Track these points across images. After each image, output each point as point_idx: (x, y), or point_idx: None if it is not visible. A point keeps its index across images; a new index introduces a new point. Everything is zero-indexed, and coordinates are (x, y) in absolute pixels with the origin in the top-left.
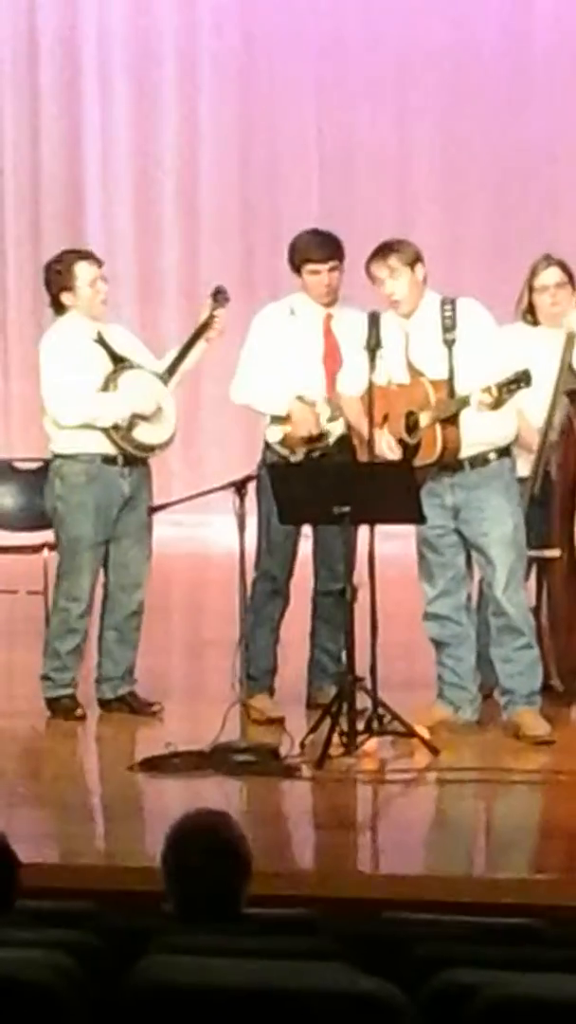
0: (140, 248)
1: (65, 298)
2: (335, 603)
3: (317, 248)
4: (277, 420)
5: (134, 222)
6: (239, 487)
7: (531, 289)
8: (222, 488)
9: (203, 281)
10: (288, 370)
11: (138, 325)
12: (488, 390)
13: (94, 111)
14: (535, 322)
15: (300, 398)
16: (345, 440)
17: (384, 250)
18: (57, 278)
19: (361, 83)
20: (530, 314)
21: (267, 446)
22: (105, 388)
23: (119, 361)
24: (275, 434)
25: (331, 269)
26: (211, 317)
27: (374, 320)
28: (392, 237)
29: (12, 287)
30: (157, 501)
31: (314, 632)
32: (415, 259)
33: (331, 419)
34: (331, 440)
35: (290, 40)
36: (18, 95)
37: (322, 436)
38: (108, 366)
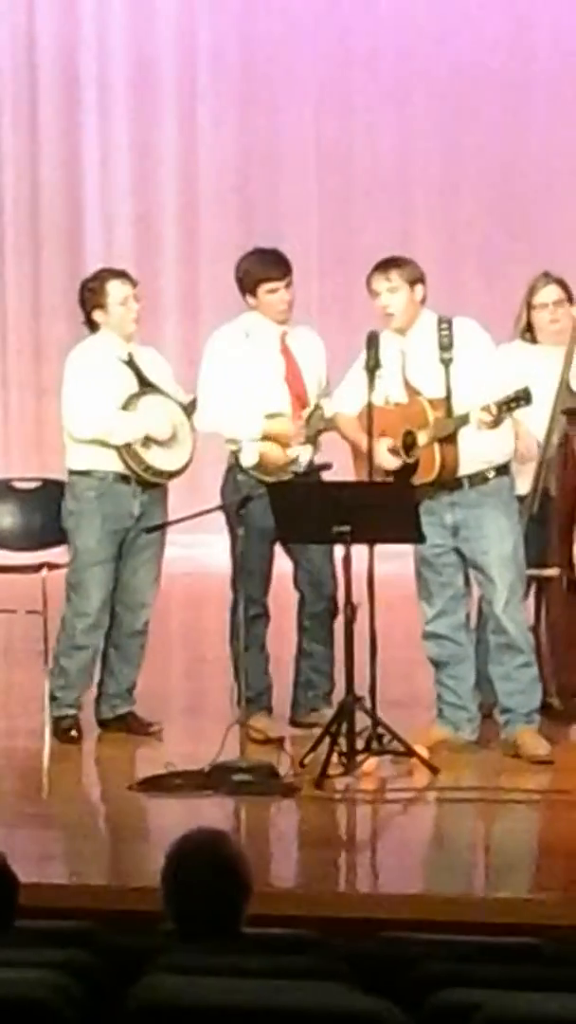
0: (140, 267)
1: (97, 316)
2: (324, 623)
3: (273, 266)
4: (251, 442)
5: (134, 241)
6: (238, 507)
7: (530, 307)
8: (220, 508)
9: (202, 299)
10: (251, 392)
11: (137, 341)
12: (488, 408)
13: (93, 129)
14: (534, 340)
15: (278, 417)
16: (314, 468)
17: (387, 264)
18: (90, 296)
19: (360, 102)
20: (529, 332)
21: (236, 470)
22: (125, 408)
23: (145, 384)
24: (250, 457)
25: (287, 285)
26: None
27: (372, 341)
28: (397, 254)
29: (11, 306)
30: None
31: (301, 653)
32: (416, 278)
33: (305, 439)
34: (301, 465)
35: (289, 58)
36: (17, 112)
37: (295, 460)
38: (133, 387)
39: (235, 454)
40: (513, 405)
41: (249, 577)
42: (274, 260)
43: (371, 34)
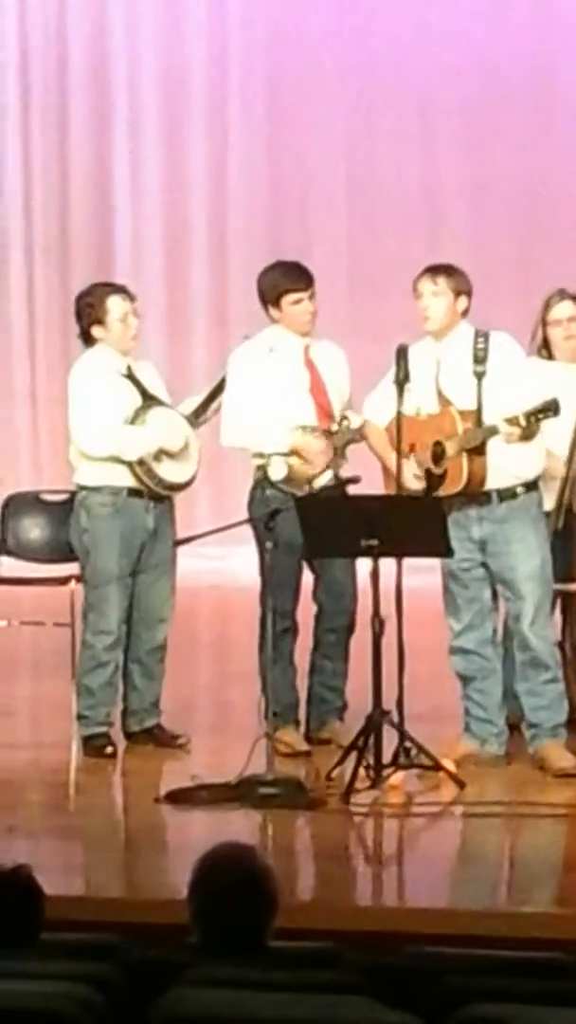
0: (169, 280)
1: (96, 331)
2: (340, 638)
3: (297, 277)
4: (279, 456)
5: (163, 254)
6: (267, 522)
7: (544, 323)
8: (247, 522)
9: (232, 313)
10: (279, 405)
11: (167, 356)
12: (515, 420)
13: (123, 145)
14: (550, 356)
15: (304, 428)
16: (341, 482)
17: (437, 270)
18: (89, 311)
19: (387, 117)
20: (545, 349)
21: (264, 484)
22: (133, 422)
23: (148, 397)
24: (279, 471)
25: (311, 296)
26: None
27: (402, 354)
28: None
29: (40, 319)
30: (182, 534)
31: (315, 667)
32: (463, 290)
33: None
34: (329, 478)
35: (317, 74)
36: (47, 128)
37: (323, 473)
38: (137, 401)
39: (262, 468)
40: (541, 416)
41: (278, 591)
42: (297, 271)
43: (398, 54)
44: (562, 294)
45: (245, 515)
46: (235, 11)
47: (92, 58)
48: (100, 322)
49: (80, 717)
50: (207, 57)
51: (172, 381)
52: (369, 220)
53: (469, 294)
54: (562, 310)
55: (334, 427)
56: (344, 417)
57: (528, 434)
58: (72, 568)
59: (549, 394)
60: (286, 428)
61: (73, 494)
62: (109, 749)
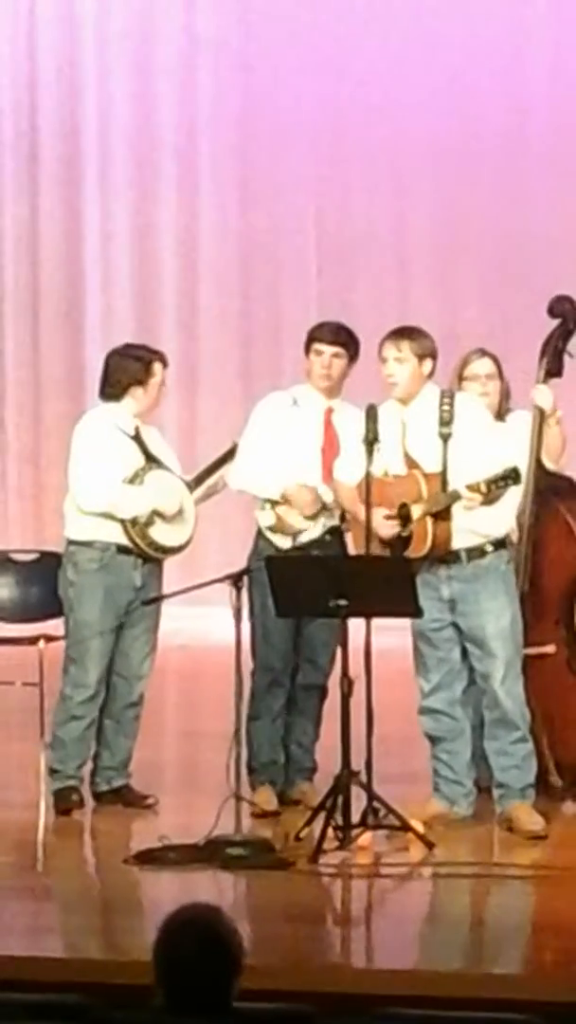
0: (139, 339)
1: (135, 391)
2: (315, 697)
3: (328, 332)
4: (270, 504)
5: (133, 317)
6: (236, 580)
7: (461, 378)
8: (219, 580)
9: (202, 371)
10: (285, 456)
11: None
12: (476, 487)
13: (94, 207)
14: None
15: (304, 486)
16: (328, 540)
17: (401, 333)
18: (134, 370)
19: (359, 169)
20: None
21: (259, 533)
22: (131, 482)
23: (150, 459)
24: (267, 519)
25: (334, 355)
26: None
27: (371, 414)
28: (413, 325)
29: (10, 374)
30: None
31: (287, 726)
32: (427, 353)
33: (321, 510)
34: (308, 536)
35: (288, 125)
36: (18, 190)
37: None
38: (139, 461)
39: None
40: (502, 484)
41: (264, 645)
42: (331, 328)
43: (368, 112)
44: (482, 352)
45: (213, 575)
46: (206, 69)
47: (63, 118)
48: (141, 383)
49: (51, 771)
50: (178, 114)
51: None
52: (339, 278)
53: (434, 356)
54: (481, 367)
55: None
56: None
57: (489, 500)
58: (41, 628)
59: (511, 461)
60: (285, 478)
61: (43, 554)
62: (75, 797)
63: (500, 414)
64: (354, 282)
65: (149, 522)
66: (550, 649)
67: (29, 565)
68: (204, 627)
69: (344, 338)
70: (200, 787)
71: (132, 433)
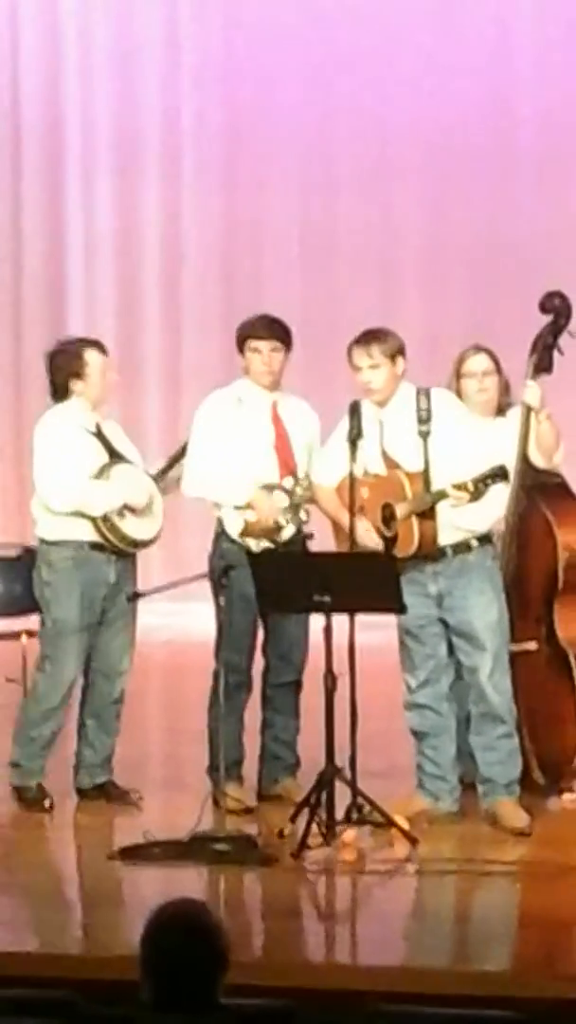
0: (122, 341)
1: (75, 385)
2: (291, 693)
3: (262, 328)
4: (237, 509)
5: (115, 314)
6: (219, 577)
7: (458, 376)
8: (202, 576)
9: (184, 371)
10: (242, 458)
11: (119, 413)
12: (463, 486)
13: (76, 205)
14: None
15: (266, 486)
16: (297, 540)
17: (367, 339)
18: (67, 364)
19: (345, 175)
20: None
21: (223, 537)
22: (98, 478)
23: (114, 455)
24: (235, 525)
25: (273, 349)
26: None
27: (355, 410)
28: (376, 327)
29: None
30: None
31: (266, 723)
32: (397, 351)
33: (289, 509)
34: (285, 535)
35: (274, 131)
36: (1, 189)
37: (284, 526)
38: (103, 457)
39: (221, 521)
40: (489, 482)
41: (232, 646)
42: (264, 323)
43: (354, 106)
44: (477, 348)
45: (198, 570)
46: (190, 68)
47: (46, 115)
48: (79, 375)
49: (15, 765)
50: (161, 115)
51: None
52: (324, 281)
53: (403, 352)
54: (477, 363)
55: (288, 483)
56: (307, 475)
57: (476, 498)
58: (24, 623)
59: (497, 458)
60: (247, 482)
61: (26, 549)
62: (47, 802)
63: (500, 409)
64: (338, 281)
65: (120, 517)
66: (532, 646)
67: (12, 561)
68: (187, 623)
69: (280, 332)
70: (184, 783)
71: (93, 430)
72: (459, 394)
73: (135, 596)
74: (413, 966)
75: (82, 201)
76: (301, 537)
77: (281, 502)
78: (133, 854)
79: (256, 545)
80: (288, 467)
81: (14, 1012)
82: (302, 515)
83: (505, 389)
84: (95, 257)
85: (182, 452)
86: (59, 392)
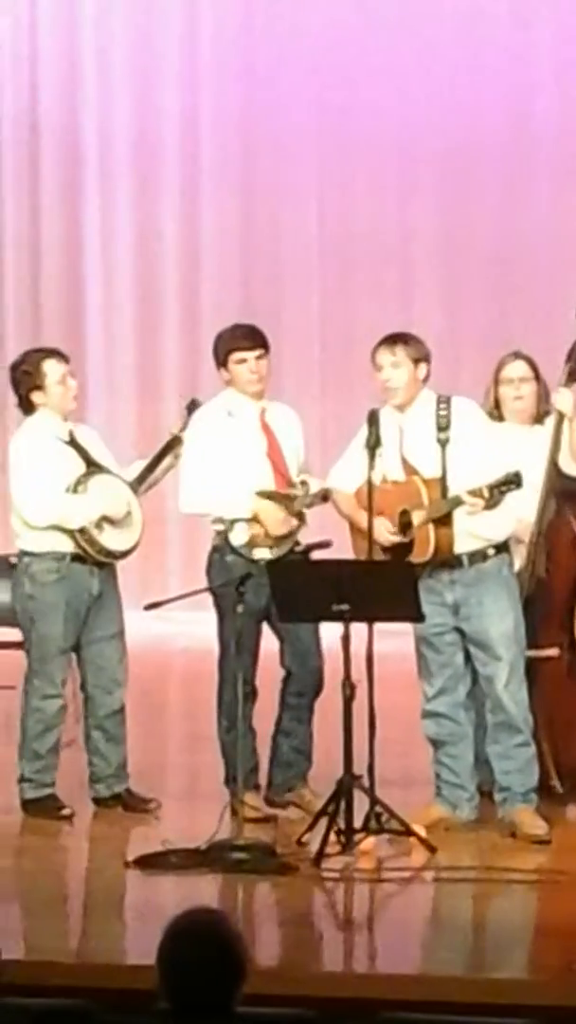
0: (141, 346)
1: (36, 397)
2: (308, 702)
3: (243, 338)
4: (240, 521)
5: (134, 320)
6: (238, 585)
7: (497, 382)
8: (221, 587)
9: (203, 377)
10: (238, 470)
11: (137, 423)
12: (478, 492)
13: (94, 211)
14: (500, 418)
15: (268, 494)
16: (309, 547)
17: (394, 340)
18: (26, 378)
19: (361, 179)
20: (497, 410)
21: (225, 550)
22: (75, 490)
23: (91, 463)
24: (241, 536)
25: (258, 357)
26: (182, 431)
27: (373, 418)
28: (404, 331)
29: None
30: (154, 598)
31: (284, 731)
32: (421, 357)
33: (292, 515)
34: (292, 543)
35: (291, 131)
36: (19, 194)
37: (290, 534)
38: (79, 467)
39: (222, 534)
40: (504, 489)
41: (238, 656)
42: (245, 332)
43: (373, 116)
44: (516, 355)
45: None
46: (208, 71)
47: (64, 124)
48: (39, 387)
49: (25, 780)
50: (179, 118)
51: (142, 446)
52: (342, 283)
53: (428, 360)
54: (514, 369)
55: (293, 492)
56: (303, 481)
57: (491, 505)
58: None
59: (512, 465)
60: (246, 493)
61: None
62: (67, 811)
63: (538, 416)
64: (356, 287)
65: (98, 529)
66: (554, 652)
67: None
68: (204, 631)
69: (261, 339)
70: (202, 791)
71: (66, 438)
72: (497, 401)
73: (152, 606)
74: (431, 975)
75: (100, 206)
76: (310, 547)
77: (282, 509)
78: (150, 863)
79: (262, 554)
80: (282, 474)
81: (31, 1021)
82: (303, 524)
83: (545, 396)
84: (113, 266)
85: (163, 453)
86: (25, 405)
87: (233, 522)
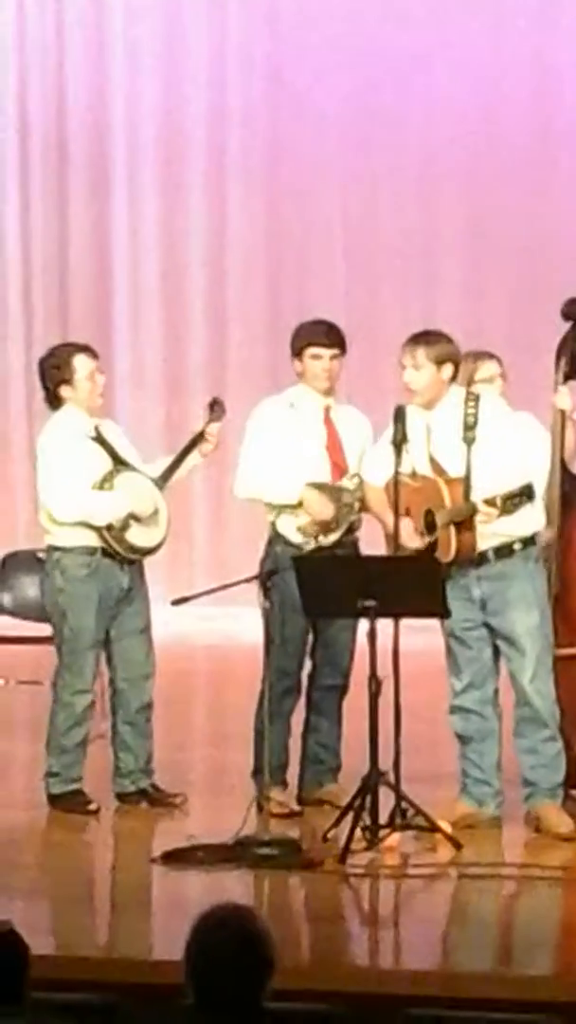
0: (168, 345)
1: (64, 391)
2: (336, 697)
3: (322, 334)
4: (288, 510)
5: (161, 320)
6: (264, 580)
7: (471, 383)
8: (247, 580)
9: (230, 376)
10: (294, 459)
11: (164, 424)
12: (492, 501)
13: (123, 207)
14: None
15: (315, 485)
16: (348, 541)
17: (416, 340)
18: (55, 372)
19: (386, 178)
20: None
21: (277, 540)
22: (101, 486)
23: (117, 460)
24: (288, 524)
25: (332, 357)
26: (205, 430)
27: (400, 415)
28: (431, 329)
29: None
30: (182, 593)
31: (310, 726)
32: (446, 357)
33: (342, 507)
34: (335, 536)
35: (317, 128)
36: (47, 192)
37: (338, 525)
38: (106, 464)
39: (274, 525)
40: (516, 501)
41: (281, 650)
42: (324, 329)
43: (398, 115)
44: (490, 355)
45: (245, 574)
46: (234, 74)
47: (91, 124)
48: (67, 382)
49: (52, 775)
50: (206, 120)
51: (170, 444)
52: (367, 283)
53: (454, 360)
54: (489, 369)
55: (345, 483)
56: (356, 474)
57: (504, 514)
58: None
59: (528, 476)
60: (297, 481)
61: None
62: (93, 806)
63: None
64: (381, 285)
65: (124, 526)
66: (575, 651)
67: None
68: (231, 627)
69: (339, 338)
70: (228, 787)
71: (93, 435)
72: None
73: (180, 600)
74: (456, 970)
75: (128, 204)
76: (352, 539)
77: (331, 501)
78: (177, 858)
79: (311, 544)
80: (340, 469)
81: (57, 1016)
82: (352, 516)
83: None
84: (141, 266)
85: (186, 451)
86: (53, 400)
87: (280, 510)
